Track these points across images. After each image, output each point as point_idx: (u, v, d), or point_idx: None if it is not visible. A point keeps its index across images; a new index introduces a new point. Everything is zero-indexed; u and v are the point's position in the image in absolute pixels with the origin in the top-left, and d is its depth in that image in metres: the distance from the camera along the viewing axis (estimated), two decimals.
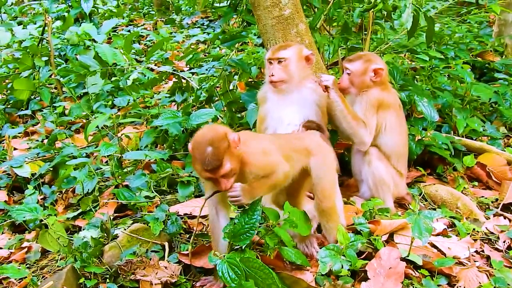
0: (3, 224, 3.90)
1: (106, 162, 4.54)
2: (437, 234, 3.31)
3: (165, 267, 2.96)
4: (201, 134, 2.62)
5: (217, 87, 5.33)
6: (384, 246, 3.05)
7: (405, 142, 3.84)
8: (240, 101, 4.70)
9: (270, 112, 3.57)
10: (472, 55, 6.36)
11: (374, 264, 2.89)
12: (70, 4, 8.52)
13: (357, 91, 3.66)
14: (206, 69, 6.30)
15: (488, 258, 3.13)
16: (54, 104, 6.31)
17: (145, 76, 6.19)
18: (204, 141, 2.54)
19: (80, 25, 7.72)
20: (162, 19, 11.73)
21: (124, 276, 2.90)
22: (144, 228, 3.39)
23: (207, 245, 3.14)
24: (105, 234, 3.40)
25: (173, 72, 5.81)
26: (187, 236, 3.44)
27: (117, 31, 10.10)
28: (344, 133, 3.68)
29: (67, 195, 4.24)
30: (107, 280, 2.95)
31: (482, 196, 3.97)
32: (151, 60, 6.65)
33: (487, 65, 6.18)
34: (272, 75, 3.44)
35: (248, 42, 7.58)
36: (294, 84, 3.49)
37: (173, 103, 5.85)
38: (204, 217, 3.65)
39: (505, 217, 3.61)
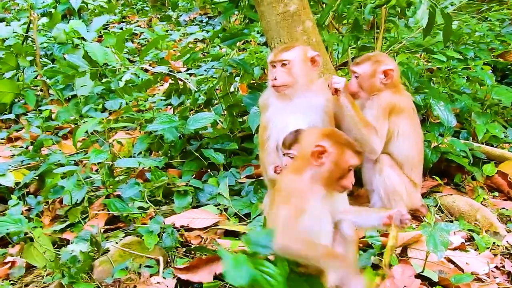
0: None
1: (96, 170, 4.59)
2: (454, 248, 3.34)
3: (158, 283, 2.99)
4: (322, 131, 2.75)
5: (217, 89, 5.37)
6: (398, 261, 3.07)
7: (420, 149, 3.85)
8: (242, 104, 4.74)
9: (273, 119, 3.52)
10: (493, 55, 6.39)
11: (387, 284, 2.90)
12: None
13: (367, 95, 3.68)
14: (205, 70, 6.33)
15: (509, 274, 3.15)
16: (40, 108, 6.36)
17: (138, 77, 6.23)
18: (338, 133, 2.78)
19: (68, 22, 7.79)
20: (157, 15, 11.85)
21: None
22: (137, 241, 3.42)
23: (204, 258, 3.18)
24: (95, 248, 3.42)
25: (169, 73, 5.86)
26: (184, 250, 3.48)
27: (108, 28, 10.18)
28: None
29: (54, 206, 4.26)
30: None
31: (503, 208, 3.99)
32: (145, 60, 6.69)
33: (509, 66, 6.23)
34: (275, 79, 3.39)
35: (251, 40, 7.64)
36: (298, 88, 3.44)
37: (169, 107, 5.91)
38: (203, 229, 3.70)
39: None
